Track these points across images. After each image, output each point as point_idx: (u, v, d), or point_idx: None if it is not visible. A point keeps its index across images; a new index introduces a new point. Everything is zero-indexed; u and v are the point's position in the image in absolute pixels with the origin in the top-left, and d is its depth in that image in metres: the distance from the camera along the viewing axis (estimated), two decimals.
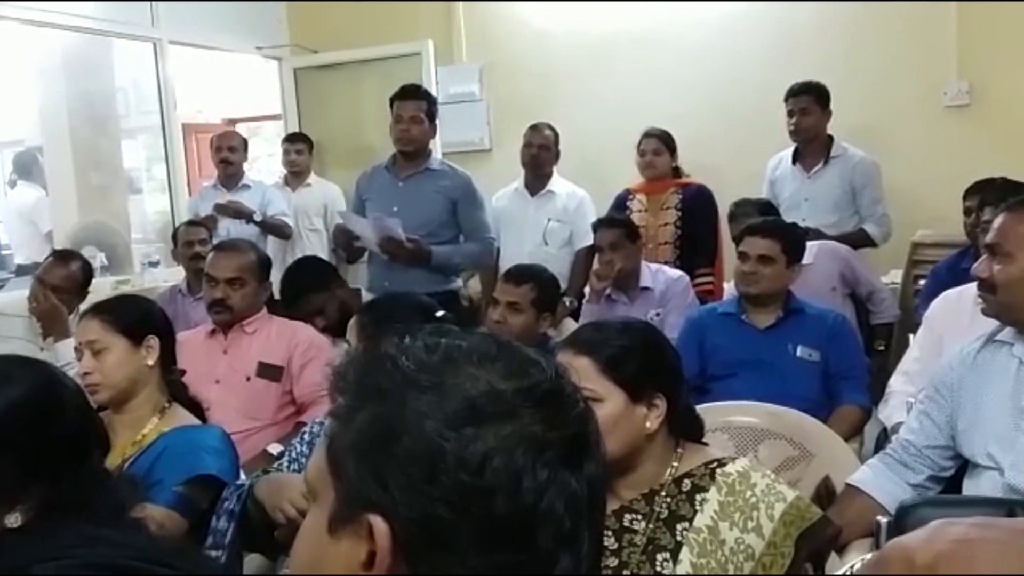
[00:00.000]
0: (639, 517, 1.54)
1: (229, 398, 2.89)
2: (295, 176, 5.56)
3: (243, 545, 1.95)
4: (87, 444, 1.48)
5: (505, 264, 4.14)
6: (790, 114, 4.40)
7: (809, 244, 3.48)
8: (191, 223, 4.52)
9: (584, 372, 1.51)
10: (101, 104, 6.03)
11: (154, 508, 1.83)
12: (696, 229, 4.40)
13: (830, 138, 4.44)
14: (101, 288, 4.22)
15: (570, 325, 3.64)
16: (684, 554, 1.48)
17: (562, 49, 5.53)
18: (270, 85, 6.50)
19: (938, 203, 4.35)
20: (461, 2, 5.80)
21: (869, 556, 1.48)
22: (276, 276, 3.63)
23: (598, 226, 3.93)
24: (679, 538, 1.50)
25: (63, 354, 3.05)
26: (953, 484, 1.98)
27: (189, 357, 2.50)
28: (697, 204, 4.43)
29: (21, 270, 5.66)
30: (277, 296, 3.75)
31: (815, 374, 2.91)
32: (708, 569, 1.46)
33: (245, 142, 5.30)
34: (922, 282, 3.96)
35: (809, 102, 4.37)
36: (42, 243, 5.70)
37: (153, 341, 2.17)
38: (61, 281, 3.51)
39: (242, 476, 2.15)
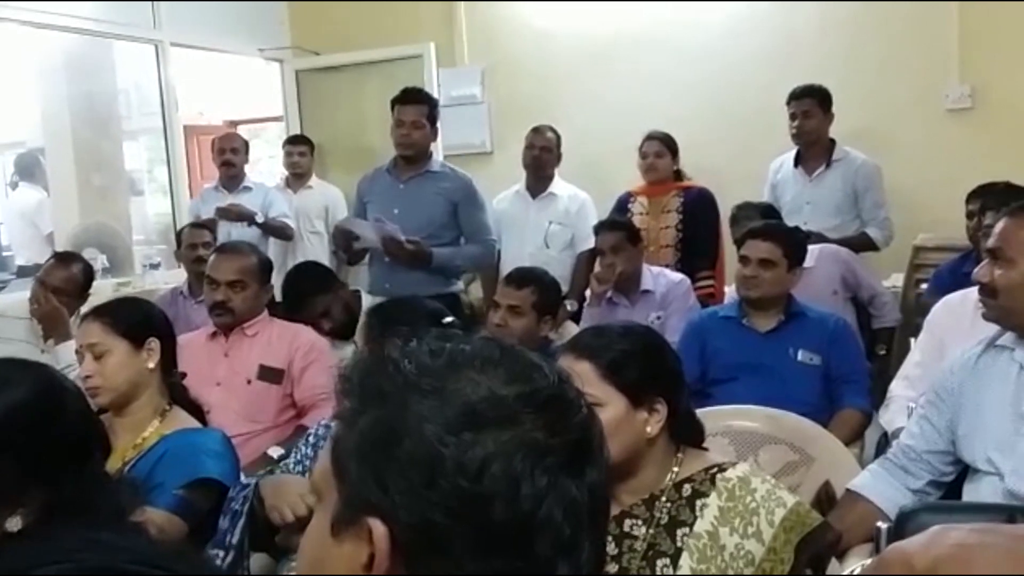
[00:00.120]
0: (639, 522, 1.54)
1: (230, 401, 2.89)
2: (296, 178, 5.56)
3: (249, 544, 1.95)
4: (88, 447, 1.48)
5: (506, 267, 4.14)
6: (792, 117, 4.40)
7: (810, 247, 3.48)
8: (195, 225, 4.52)
9: (585, 377, 1.51)
10: (103, 106, 6.04)
11: (154, 511, 1.83)
12: (697, 232, 4.39)
13: (832, 141, 4.44)
14: (102, 290, 4.22)
15: (571, 328, 3.64)
16: (684, 560, 1.48)
17: (563, 51, 5.54)
18: (272, 87, 6.50)
19: (940, 207, 4.35)
20: (462, 4, 5.80)
21: (868, 562, 1.48)
22: (277, 279, 3.63)
23: (599, 229, 3.93)
24: (679, 544, 1.50)
25: (64, 356, 3.05)
26: (954, 490, 1.98)
27: (190, 360, 2.50)
28: (698, 207, 4.43)
29: (22, 272, 5.67)
30: (278, 299, 3.75)
31: (816, 378, 2.90)
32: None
33: (246, 144, 5.31)
34: (923, 286, 3.96)
35: (811, 105, 4.37)
36: (43, 245, 5.70)
37: (154, 344, 2.17)
38: (62, 283, 3.51)
39: (243, 479, 2.15)
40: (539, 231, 4.60)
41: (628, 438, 1.54)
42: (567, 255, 4.56)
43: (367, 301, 3.77)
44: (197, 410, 2.26)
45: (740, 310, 3.05)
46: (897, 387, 2.73)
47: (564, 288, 4.16)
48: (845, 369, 2.92)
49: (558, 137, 4.68)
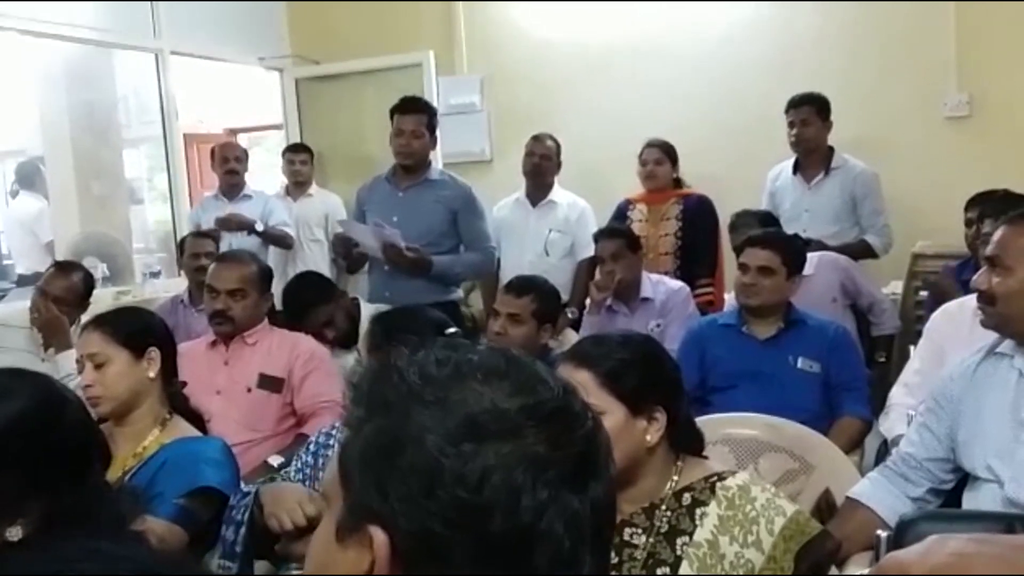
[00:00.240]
0: (639, 531, 1.54)
1: (230, 410, 2.89)
2: (297, 186, 5.57)
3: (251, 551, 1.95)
4: (88, 457, 1.48)
5: (506, 274, 4.14)
6: (791, 125, 4.42)
7: (809, 255, 3.49)
8: (198, 235, 4.51)
9: (584, 386, 1.50)
10: (103, 114, 6.05)
11: (155, 521, 1.83)
12: (696, 239, 4.40)
13: (830, 149, 4.45)
14: (102, 299, 4.22)
15: (571, 336, 3.65)
16: (684, 569, 1.48)
17: (563, 60, 5.55)
18: (271, 96, 6.52)
19: (938, 214, 4.36)
20: (462, 13, 5.82)
21: (866, 572, 1.48)
22: (277, 287, 3.63)
23: (599, 236, 3.94)
24: (679, 552, 1.50)
25: (64, 365, 3.05)
26: (954, 497, 1.98)
27: (190, 368, 2.50)
28: (698, 214, 4.44)
29: (22, 281, 5.67)
30: (279, 307, 3.75)
31: (816, 386, 2.90)
32: None
33: (246, 152, 5.33)
34: (923, 293, 3.96)
35: (809, 113, 4.38)
36: (43, 253, 5.70)
37: (154, 353, 2.18)
38: (62, 292, 3.51)
39: (243, 488, 2.15)
40: (539, 239, 4.61)
41: (627, 447, 1.54)
42: (567, 263, 4.57)
43: (366, 309, 3.77)
44: (197, 419, 2.26)
45: (740, 318, 3.05)
46: (897, 394, 2.73)
47: (564, 296, 4.16)
48: (845, 377, 2.92)
49: (558, 145, 4.69)
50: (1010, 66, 4.65)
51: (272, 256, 4.97)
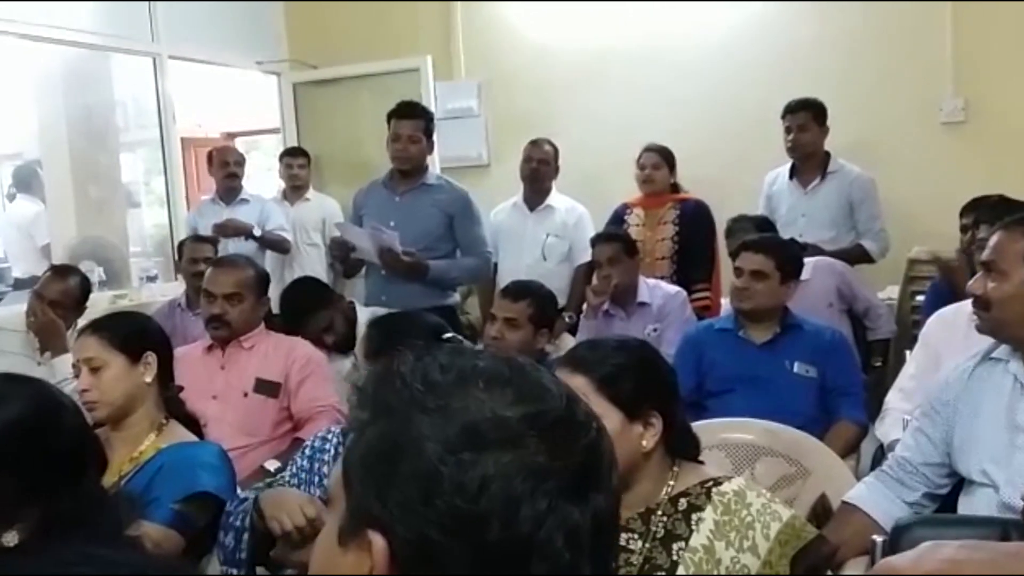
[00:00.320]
0: (635, 536, 1.54)
1: (226, 414, 2.89)
2: (294, 190, 5.57)
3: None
4: (84, 462, 1.48)
5: (503, 279, 4.15)
6: (787, 131, 4.42)
7: (806, 260, 3.49)
8: (197, 239, 4.50)
9: (580, 391, 1.49)
10: (100, 118, 6.04)
11: (151, 526, 1.83)
12: (693, 244, 4.41)
13: (827, 154, 4.46)
14: (99, 303, 4.22)
15: (568, 341, 3.65)
16: (680, 574, 1.48)
17: (560, 65, 5.56)
18: (269, 100, 6.52)
19: (934, 219, 4.36)
20: (460, 18, 5.83)
21: None
22: (274, 291, 3.63)
23: (596, 241, 3.94)
24: (675, 557, 1.50)
25: (60, 369, 3.05)
26: (950, 502, 1.98)
27: (186, 373, 2.50)
28: (694, 219, 4.44)
29: (19, 284, 5.66)
30: (275, 311, 3.75)
31: (812, 390, 2.91)
32: None
33: (243, 157, 5.33)
34: (919, 298, 3.97)
35: (806, 118, 4.39)
36: (40, 257, 5.70)
37: (151, 358, 2.17)
38: (59, 296, 3.50)
39: (239, 493, 2.15)
40: (537, 243, 4.61)
41: (623, 452, 1.53)
42: (564, 267, 4.57)
43: (363, 313, 3.77)
44: (194, 423, 2.26)
45: (736, 322, 3.06)
46: (892, 399, 2.74)
47: (561, 301, 4.17)
48: (841, 381, 2.93)
49: (556, 150, 4.70)
50: (1006, 72, 4.67)
51: (269, 260, 4.97)
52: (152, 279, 5.50)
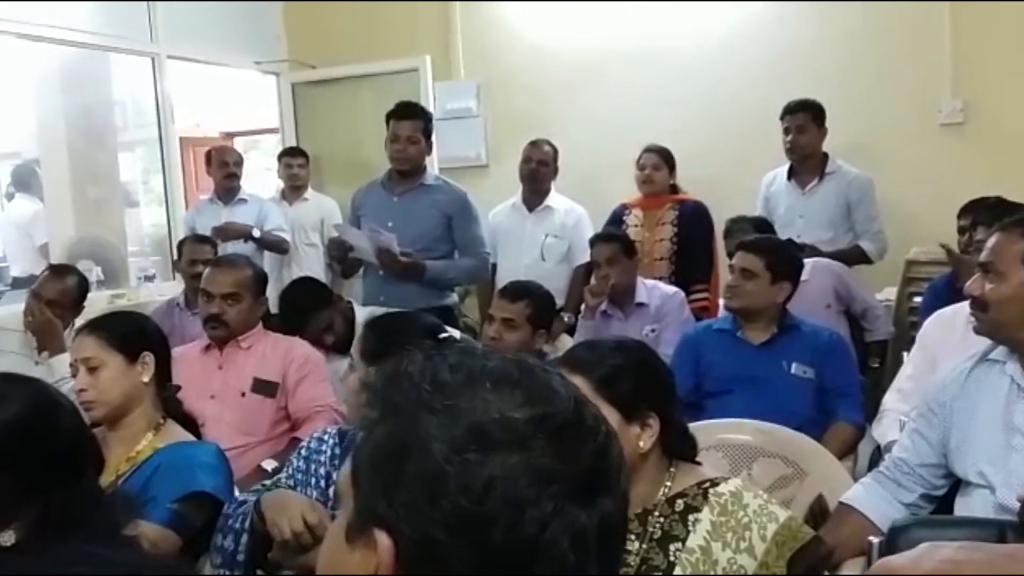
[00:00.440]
0: (632, 537, 1.54)
1: (224, 414, 2.89)
2: (293, 190, 5.57)
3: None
4: (81, 462, 1.48)
5: (502, 279, 4.15)
6: (786, 131, 4.42)
7: (804, 261, 3.49)
8: (197, 240, 4.49)
9: None
10: (99, 117, 6.04)
11: (148, 526, 1.82)
12: (692, 245, 4.41)
13: (825, 155, 4.46)
14: (96, 302, 4.22)
15: (567, 341, 3.65)
16: (677, 574, 1.48)
17: (559, 66, 5.56)
18: (268, 100, 6.52)
19: (932, 221, 4.36)
20: (459, 18, 5.83)
21: None
22: (272, 291, 3.63)
23: (594, 241, 3.94)
24: (672, 558, 1.50)
25: (58, 369, 3.05)
26: (947, 503, 1.99)
27: (184, 373, 2.50)
28: (693, 220, 4.45)
29: (17, 283, 5.66)
30: (273, 311, 3.74)
31: (809, 391, 2.91)
32: None
33: (242, 157, 5.33)
34: (917, 299, 3.97)
35: (805, 120, 4.39)
36: (38, 256, 5.69)
37: (148, 358, 2.17)
38: (57, 295, 3.50)
39: (236, 493, 2.15)
40: (535, 244, 4.62)
41: None
42: (563, 268, 4.57)
43: (360, 313, 3.77)
44: (191, 423, 2.26)
45: (735, 322, 3.06)
46: (890, 400, 2.74)
47: (560, 301, 4.17)
48: (839, 382, 2.92)
49: (555, 151, 4.70)
50: (1004, 74, 4.67)
51: (267, 260, 4.97)
52: (150, 278, 5.49)
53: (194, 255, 4.30)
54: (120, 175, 6.46)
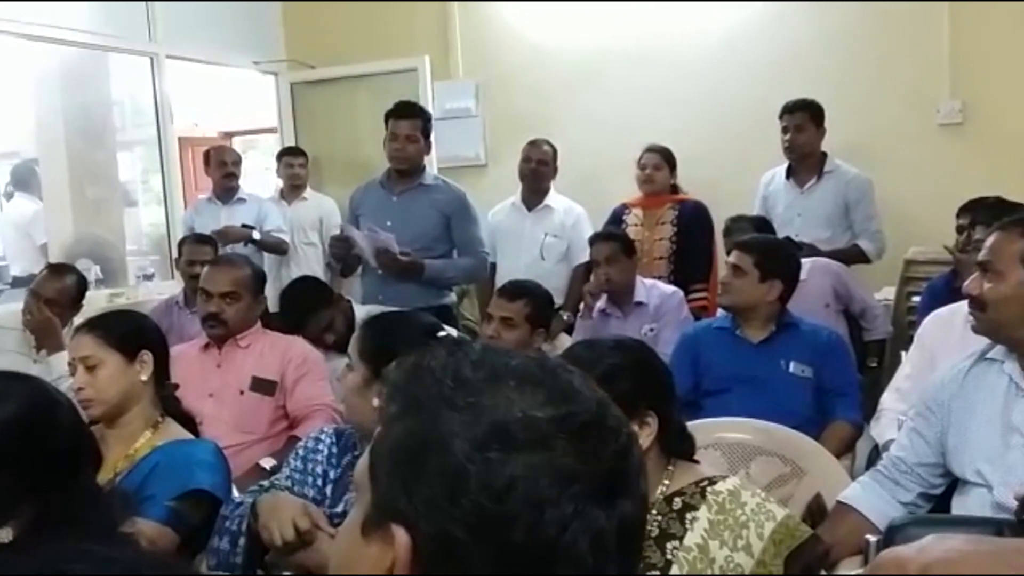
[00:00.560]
0: None
1: (222, 412, 2.89)
2: (292, 190, 5.57)
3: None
4: (79, 460, 1.48)
5: (502, 279, 4.15)
6: (784, 131, 4.43)
7: (802, 260, 3.48)
8: (197, 240, 4.48)
9: None
10: (98, 117, 6.04)
11: (145, 523, 1.83)
12: (691, 244, 4.42)
13: (824, 154, 4.46)
14: (95, 301, 4.22)
15: (566, 340, 3.65)
16: (674, 572, 1.48)
17: (558, 66, 5.56)
18: (266, 99, 6.52)
19: (931, 220, 4.36)
20: (458, 18, 5.83)
21: (860, 571, 1.49)
22: (271, 290, 3.63)
23: (594, 240, 3.94)
24: (669, 556, 1.50)
25: (56, 367, 3.05)
26: (944, 502, 1.99)
27: (183, 371, 2.50)
28: (693, 219, 4.45)
29: (16, 282, 5.65)
30: (272, 310, 3.74)
31: (808, 390, 2.91)
32: None
33: (240, 156, 5.33)
34: (915, 299, 3.97)
35: (804, 119, 4.39)
36: (37, 255, 5.69)
37: (147, 356, 2.17)
38: (55, 294, 3.51)
39: (234, 491, 2.15)
40: (535, 243, 4.62)
41: None
42: (562, 267, 4.58)
43: (359, 312, 3.77)
44: (190, 421, 2.26)
45: (733, 321, 3.06)
46: (888, 399, 2.74)
47: (559, 300, 4.17)
48: (837, 381, 2.92)
49: (554, 150, 4.71)
50: (1003, 74, 4.68)
51: (266, 259, 4.97)
52: (149, 277, 5.50)
53: (194, 255, 4.29)
54: (119, 174, 6.46)
